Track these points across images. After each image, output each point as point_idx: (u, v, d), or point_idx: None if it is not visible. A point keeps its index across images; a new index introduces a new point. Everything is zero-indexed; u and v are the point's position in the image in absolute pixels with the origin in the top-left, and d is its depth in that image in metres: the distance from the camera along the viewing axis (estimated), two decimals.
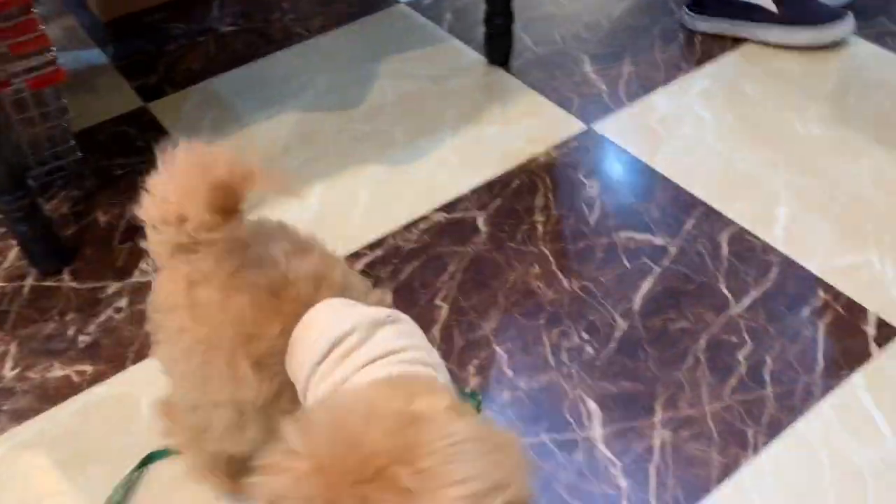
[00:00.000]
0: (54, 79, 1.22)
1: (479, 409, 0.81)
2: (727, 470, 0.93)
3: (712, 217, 1.23)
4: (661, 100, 1.46)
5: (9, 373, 1.07)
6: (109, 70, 1.61)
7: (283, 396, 0.72)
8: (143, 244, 0.75)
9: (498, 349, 1.07)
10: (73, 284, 1.18)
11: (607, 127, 1.40)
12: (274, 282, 0.71)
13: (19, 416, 1.01)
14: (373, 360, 0.66)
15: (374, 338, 0.68)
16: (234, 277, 0.70)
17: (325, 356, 0.67)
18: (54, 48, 1.21)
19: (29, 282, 1.19)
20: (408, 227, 1.24)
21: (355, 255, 1.20)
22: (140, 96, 1.54)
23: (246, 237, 0.74)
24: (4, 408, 1.02)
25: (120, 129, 1.47)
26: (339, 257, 0.81)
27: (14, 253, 1.23)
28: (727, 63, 1.53)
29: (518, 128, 1.41)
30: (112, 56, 1.65)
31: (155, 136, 1.44)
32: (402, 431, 0.52)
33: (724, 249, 1.18)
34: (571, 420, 0.98)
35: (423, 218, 1.26)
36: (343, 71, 1.57)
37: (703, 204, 1.25)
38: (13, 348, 1.10)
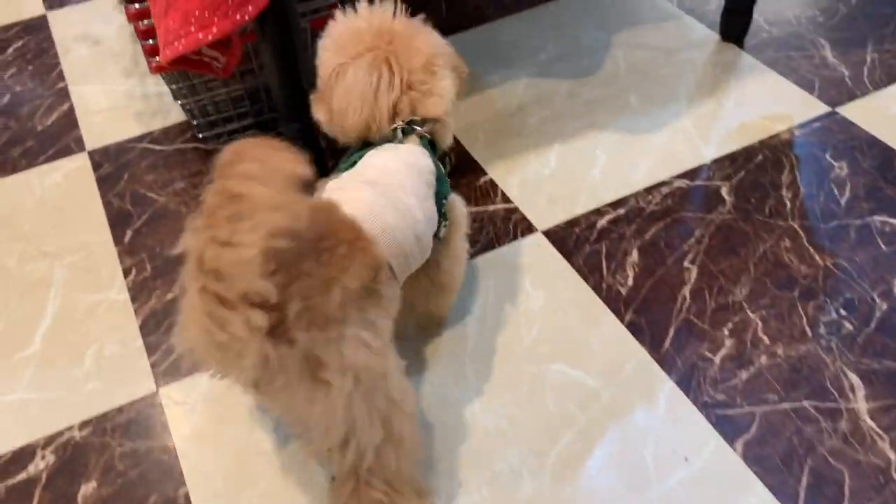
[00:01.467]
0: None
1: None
2: None
3: None
4: None
5: None
6: None
7: None
8: None
9: (752, 315, 1.08)
10: None
11: (854, 111, 1.38)
12: None
13: None
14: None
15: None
16: None
17: None
18: None
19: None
20: (649, 190, 1.27)
21: (597, 212, 1.24)
22: None
23: None
24: None
25: None
26: None
27: None
28: None
29: (756, 104, 1.41)
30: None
31: None
32: None
33: None
34: (833, 391, 0.98)
35: (664, 183, 1.28)
36: (573, 38, 1.60)
37: None
38: None
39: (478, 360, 1.04)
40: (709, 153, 1.32)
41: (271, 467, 0.95)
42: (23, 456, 0.98)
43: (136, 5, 1.17)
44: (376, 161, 0.85)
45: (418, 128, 0.88)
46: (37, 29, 1.75)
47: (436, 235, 0.89)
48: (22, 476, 0.96)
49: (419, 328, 1.06)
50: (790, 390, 0.99)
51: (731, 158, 1.31)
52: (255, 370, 0.65)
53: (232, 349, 0.62)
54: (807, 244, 1.16)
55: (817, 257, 1.14)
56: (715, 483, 0.91)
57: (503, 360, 1.04)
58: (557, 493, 0.90)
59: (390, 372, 0.76)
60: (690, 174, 1.29)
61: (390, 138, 0.88)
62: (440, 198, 0.89)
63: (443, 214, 0.89)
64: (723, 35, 1.56)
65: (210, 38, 0.90)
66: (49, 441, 1.00)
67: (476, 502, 0.90)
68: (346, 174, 0.85)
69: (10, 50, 1.69)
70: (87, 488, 0.95)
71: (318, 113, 0.93)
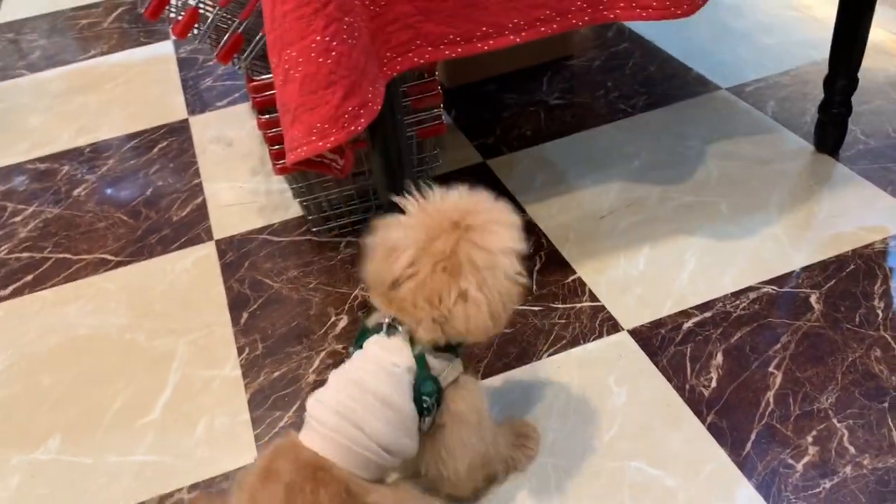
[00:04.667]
0: (438, 131, 1.44)
1: None
2: None
3: None
4: None
5: None
6: (453, 130, 1.84)
7: None
8: None
9: (838, 424, 1.07)
10: None
11: None
12: None
13: None
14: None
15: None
16: None
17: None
18: (441, 106, 1.43)
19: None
20: (736, 295, 1.29)
21: (684, 314, 1.27)
22: (480, 153, 1.74)
23: None
24: None
25: (465, 178, 1.67)
26: None
27: None
28: None
29: (850, 215, 1.42)
30: (455, 118, 1.89)
31: (493, 188, 1.63)
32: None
33: None
34: None
35: (752, 288, 1.30)
36: (667, 146, 1.67)
37: None
38: None
39: (557, 454, 1.08)
40: (798, 261, 1.34)
41: None
42: None
43: (266, 116, 1.34)
44: (358, 361, 0.92)
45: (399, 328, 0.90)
46: (179, 131, 1.99)
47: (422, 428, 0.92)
48: None
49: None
50: (877, 502, 0.97)
51: (822, 266, 1.32)
52: None
53: None
54: None
55: None
56: None
57: (583, 455, 1.07)
58: None
59: None
60: (779, 281, 1.30)
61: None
62: (418, 398, 0.90)
63: (423, 411, 0.90)
64: (817, 146, 1.59)
65: (329, 146, 1.02)
66: (161, 500, 1.10)
67: None
68: (354, 355, 0.94)
69: (156, 149, 1.92)
70: None
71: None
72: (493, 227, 0.89)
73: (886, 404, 1.09)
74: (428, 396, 0.90)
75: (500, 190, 1.61)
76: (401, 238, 0.90)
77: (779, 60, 1.91)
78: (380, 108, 1.05)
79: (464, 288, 0.87)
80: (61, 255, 1.60)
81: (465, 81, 2.02)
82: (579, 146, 1.73)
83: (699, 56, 1.98)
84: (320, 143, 1.02)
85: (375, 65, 1.05)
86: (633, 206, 1.52)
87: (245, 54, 1.25)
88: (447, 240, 0.88)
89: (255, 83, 1.29)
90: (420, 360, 0.91)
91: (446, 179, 1.67)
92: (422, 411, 0.90)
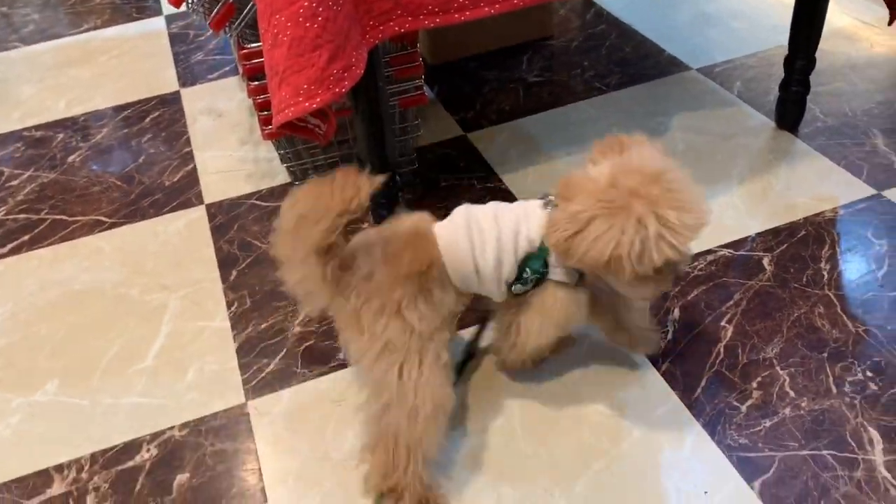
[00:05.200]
0: (419, 101, 1.52)
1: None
2: None
3: None
4: None
5: None
6: (436, 104, 1.92)
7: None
8: None
9: (781, 371, 1.16)
10: None
11: None
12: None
13: None
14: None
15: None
16: None
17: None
18: (423, 77, 1.50)
19: None
20: (695, 257, 1.38)
21: None
22: (461, 127, 1.82)
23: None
24: None
25: (445, 151, 1.75)
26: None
27: None
28: None
29: (805, 186, 1.51)
30: (437, 93, 1.96)
31: (473, 159, 1.71)
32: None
33: None
34: (852, 442, 1.06)
35: (710, 251, 1.39)
36: (638, 122, 1.75)
37: None
38: None
39: (524, 396, 1.17)
40: (754, 227, 1.43)
41: (335, 472, 1.09)
42: (131, 448, 1.16)
43: (256, 83, 1.41)
44: (506, 209, 1.03)
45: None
46: (170, 102, 2.05)
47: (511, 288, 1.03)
48: (129, 464, 1.14)
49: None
50: (811, 439, 1.07)
51: (775, 232, 1.41)
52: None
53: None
54: (840, 311, 1.25)
55: (849, 324, 1.22)
56: None
57: (546, 397, 1.16)
58: None
59: (422, 356, 0.95)
60: (735, 245, 1.40)
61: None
62: (524, 265, 1.00)
63: (521, 278, 1.01)
64: (778, 123, 1.68)
65: (315, 106, 1.10)
66: (154, 437, 1.18)
67: None
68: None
69: (148, 120, 1.99)
70: (182, 478, 1.11)
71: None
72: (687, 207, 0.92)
73: (826, 354, 1.18)
74: (530, 270, 1.00)
75: (479, 161, 1.70)
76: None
77: (747, 43, 2.00)
78: (362, 72, 1.13)
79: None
80: (57, 217, 1.67)
81: (448, 59, 2.09)
82: (555, 121, 1.81)
83: (673, 38, 2.06)
84: (307, 104, 1.10)
85: (358, 31, 1.13)
86: None
87: (236, 23, 1.32)
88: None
89: (245, 51, 1.36)
90: (544, 248, 0.99)
91: (425, 152, 1.76)
92: (519, 278, 1.01)
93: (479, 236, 0.99)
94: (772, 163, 1.58)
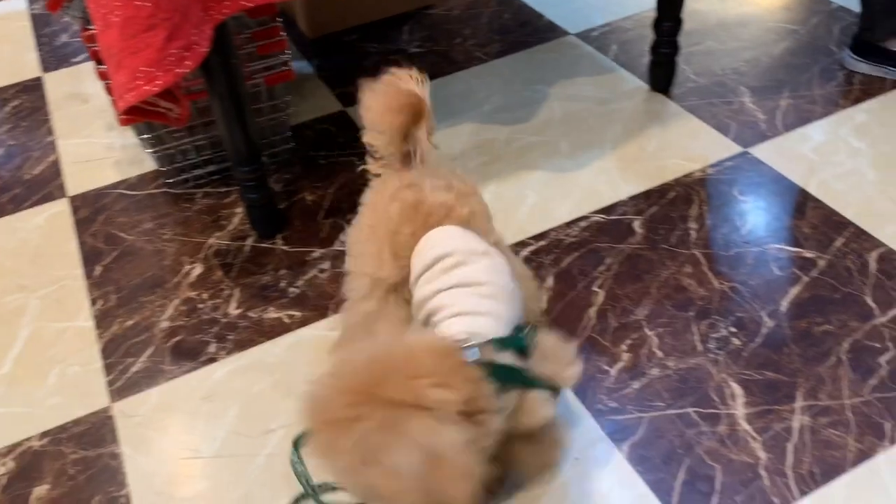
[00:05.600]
0: (286, 77, 1.47)
1: (529, 344, 0.88)
2: (863, 456, 1.00)
3: (862, 237, 1.30)
4: (817, 131, 1.54)
5: (233, 311, 1.29)
6: (314, 79, 1.87)
7: (404, 287, 0.96)
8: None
9: (649, 333, 1.18)
10: (285, 248, 1.40)
11: (763, 151, 1.50)
12: (418, 200, 0.96)
13: (241, 346, 1.23)
14: (460, 286, 0.88)
15: (467, 264, 0.90)
16: (398, 190, 0.98)
17: (428, 267, 0.92)
18: (289, 52, 1.45)
19: (249, 242, 1.42)
20: (569, 224, 1.39)
21: (521, 244, 1.36)
22: (340, 102, 1.78)
23: (421, 166, 1.01)
24: (229, 338, 1.24)
25: (323, 126, 1.70)
26: (479, 204, 1.02)
27: (238, 218, 1.47)
28: (887, 102, 1.59)
29: (676, 147, 1.54)
30: (317, 67, 1.91)
31: (353, 135, 1.67)
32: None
33: (873, 266, 1.25)
34: (716, 398, 1.08)
35: (584, 218, 1.40)
36: (516, 91, 1.74)
37: (854, 225, 1.33)
38: (237, 293, 1.32)
39: None
40: (626, 191, 1.44)
41: (207, 470, 1.05)
42: None
43: (104, 66, 1.33)
44: None
45: None
46: (32, 89, 1.93)
47: None
48: None
49: None
50: (677, 398, 1.09)
51: (646, 195, 1.43)
52: None
53: None
54: (706, 270, 1.27)
55: (715, 281, 1.25)
56: (601, 480, 1.00)
57: None
58: None
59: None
60: (608, 210, 1.41)
61: None
62: None
63: None
64: (652, 86, 1.70)
65: (156, 89, 1.04)
66: (10, 450, 1.11)
67: None
68: None
69: (7, 108, 1.86)
70: (40, 490, 1.06)
71: None
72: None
73: (692, 313, 1.21)
74: None
75: (359, 137, 1.65)
76: None
77: (623, 6, 2.01)
78: (206, 50, 1.08)
79: None
80: None
81: (328, 31, 2.03)
82: (436, 92, 1.74)
83: (551, 3, 2.06)
84: (146, 87, 1.04)
85: (199, 7, 1.07)
86: (482, 148, 1.59)
87: (74, 1, 1.24)
88: None
89: (88, 32, 1.28)
90: None
91: (303, 129, 1.71)
92: None
93: None
94: (645, 126, 1.60)
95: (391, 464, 0.69)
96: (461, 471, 0.70)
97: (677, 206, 1.40)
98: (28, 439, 1.12)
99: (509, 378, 0.83)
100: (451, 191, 0.98)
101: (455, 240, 0.94)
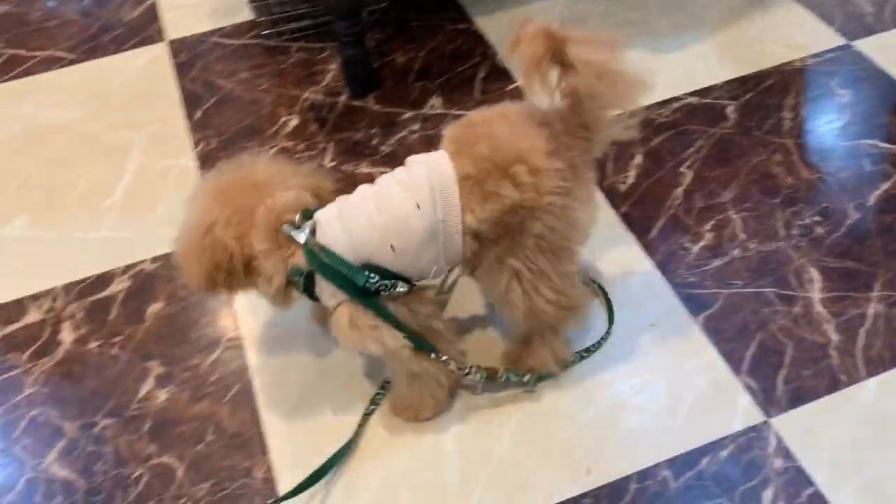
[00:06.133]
0: None
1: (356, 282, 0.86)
2: None
3: None
4: None
5: (328, 163, 1.34)
6: None
7: None
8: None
9: (733, 215, 1.21)
10: (377, 107, 1.44)
11: (867, 46, 1.46)
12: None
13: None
14: (381, 197, 0.87)
15: (405, 193, 0.86)
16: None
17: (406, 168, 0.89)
18: None
19: (342, 99, 1.46)
20: (661, 104, 1.39)
21: None
22: None
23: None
24: None
25: None
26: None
27: (331, 75, 1.50)
28: None
29: (777, 34, 1.50)
30: None
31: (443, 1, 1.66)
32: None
33: None
34: (794, 281, 1.12)
35: (676, 98, 1.40)
36: None
37: None
38: (331, 147, 1.37)
39: None
40: (723, 75, 1.43)
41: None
42: (104, 279, 1.20)
43: None
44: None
45: None
46: None
47: None
48: (102, 294, 1.18)
49: None
50: (755, 278, 1.13)
51: (742, 81, 1.41)
52: None
53: None
54: (796, 160, 1.28)
55: (804, 171, 1.26)
56: (674, 345, 1.06)
57: None
58: None
59: None
60: (702, 93, 1.40)
61: None
62: None
63: None
64: None
65: None
66: (126, 270, 1.21)
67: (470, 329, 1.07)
68: None
69: None
70: (155, 307, 1.16)
71: None
72: None
73: (778, 200, 1.22)
74: None
75: (451, 1, 1.64)
76: None
77: None
78: None
79: None
80: (14, 52, 1.61)
81: None
82: None
83: None
84: None
85: None
86: (576, 20, 1.57)
87: None
88: None
89: None
90: None
91: None
92: None
93: None
94: (746, 10, 1.56)
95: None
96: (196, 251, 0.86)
97: (773, 94, 1.39)
98: (142, 261, 1.21)
99: (321, 270, 0.85)
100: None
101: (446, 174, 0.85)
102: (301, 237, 0.85)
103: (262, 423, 1.02)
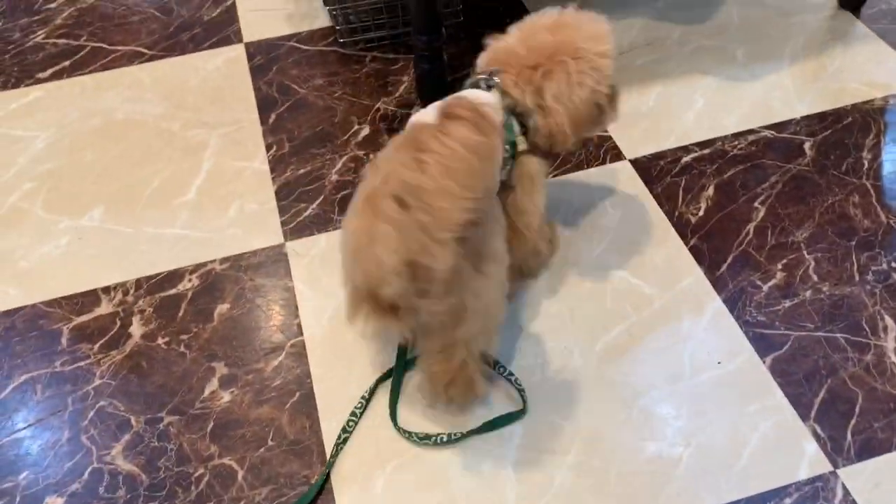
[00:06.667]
0: None
1: None
2: None
3: None
4: None
5: None
6: None
7: None
8: None
9: (807, 255, 1.19)
10: None
11: None
12: None
13: None
14: None
15: None
16: None
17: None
18: None
19: (415, 112, 1.46)
20: (736, 136, 1.37)
21: (684, 149, 1.36)
22: None
23: None
24: None
25: (493, 4, 1.70)
26: None
27: (404, 87, 1.51)
28: None
29: (859, 70, 1.47)
30: None
31: (518, 14, 1.65)
32: None
33: None
34: (867, 328, 1.09)
35: (752, 131, 1.38)
36: None
37: None
38: None
39: (552, 262, 1.20)
40: (800, 109, 1.41)
41: None
42: (174, 276, 1.22)
43: None
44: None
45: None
46: None
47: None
48: (172, 291, 1.20)
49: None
50: (827, 322, 1.10)
51: (821, 117, 1.39)
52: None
53: None
54: (875, 202, 1.25)
55: (882, 215, 1.23)
56: (740, 385, 1.04)
57: (573, 262, 1.20)
58: (601, 371, 1.06)
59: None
60: (778, 126, 1.38)
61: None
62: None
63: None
64: (840, 3, 1.61)
65: None
66: (196, 269, 1.23)
67: (529, 366, 1.07)
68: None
69: None
70: (222, 308, 1.18)
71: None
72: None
73: (854, 243, 1.20)
74: (507, 144, 1.00)
75: (525, 14, 1.64)
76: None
77: None
78: None
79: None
80: (97, 45, 1.66)
81: None
82: None
83: None
84: None
85: None
86: (653, 45, 1.56)
87: None
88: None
89: None
90: (508, 125, 1.01)
91: (473, 4, 1.70)
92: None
93: None
94: (828, 44, 1.53)
95: None
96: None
97: (853, 132, 1.36)
98: (212, 261, 1.24)
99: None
100: None
101: None
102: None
103: (321, 432, 1.03)
